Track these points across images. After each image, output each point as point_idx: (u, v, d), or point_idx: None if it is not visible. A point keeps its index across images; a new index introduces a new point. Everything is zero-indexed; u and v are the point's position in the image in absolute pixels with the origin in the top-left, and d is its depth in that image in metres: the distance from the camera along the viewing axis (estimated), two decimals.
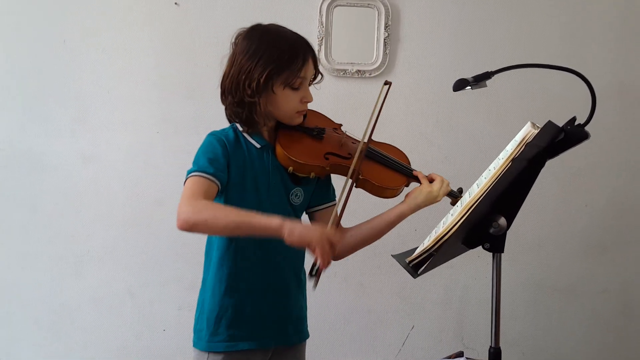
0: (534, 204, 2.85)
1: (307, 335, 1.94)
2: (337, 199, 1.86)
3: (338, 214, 1.72)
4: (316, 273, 1.59)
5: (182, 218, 1.58)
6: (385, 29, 2.83)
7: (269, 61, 1.71)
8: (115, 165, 2.80)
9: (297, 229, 1.55)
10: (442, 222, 1.59)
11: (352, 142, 1.88)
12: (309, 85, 1.79)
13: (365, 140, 1.80)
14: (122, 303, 2.84)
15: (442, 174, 2.81)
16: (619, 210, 2.96)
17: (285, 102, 1.76)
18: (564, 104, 2.77)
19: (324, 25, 2.80)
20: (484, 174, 1.56)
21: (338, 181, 1.83)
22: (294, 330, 1.89)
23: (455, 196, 1.95)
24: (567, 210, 2.94)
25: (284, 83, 1.73)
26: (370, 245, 2.83)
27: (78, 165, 2.81)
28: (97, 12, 2.79)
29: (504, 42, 2.87)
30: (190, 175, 1.69)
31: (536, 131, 1.43)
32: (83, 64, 2.79)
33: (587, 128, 1.47)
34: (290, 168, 1.77)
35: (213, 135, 1.78)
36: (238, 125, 1.80)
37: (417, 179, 1.89)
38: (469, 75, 1.70)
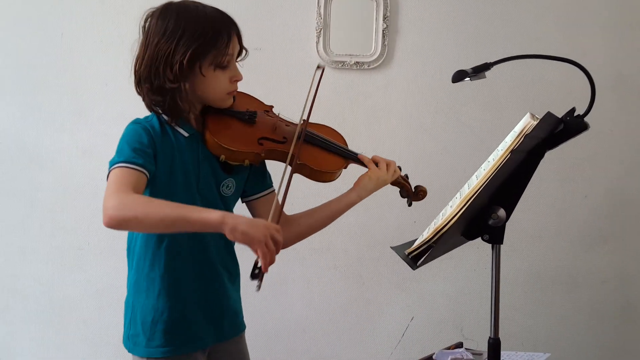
0: (533, 195, 2.85)
1: (244, 327, 1.84)
2: (276, 187, 1.70)
3: (280, 204, 1.60)
4: (259, 274, 1.45)
5: (109, 214, 1.42)
6: (383, 20, 2.82)
7: (191, 40, 1.56)
8: None
9: (240, 225, 1.41)
10: (441, 213, 1.59)
11: (286, 125, 1.76)
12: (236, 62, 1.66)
13: (302, 122, 1.69)
14: (123, 296, 2.82)
15: (441, 165, 2.85)
16: (618, 201, 2.96)
17: (215, 84, 1.62)
18: (563, 95, 2.77)
19: (322, 16, 2.79)
20: (482, 166, 1.56)
21: (274, 167, 1.74)
22: (230, 324, 1.78)
23: (403, 185, 1.87)
24: (566, 202, 2.94)
25: (213, 63, 1.59)
26: (369, 236, 2.87)
27: (76, 158, 2.81)
28: (95, 4, 2.78)
29: (503, 33, 2.86)
30: (114, 166, 1.53)
31: (535, 122, 1.43)
32: (80, 57, 2.79)
33: (586, 119, 1.47)
34: (222, 157, 1.64)
35: (137, 123, 1.63)
36: (161, 113, 1.64)
37: (360, 162, 1.81)
38: (467, 66, 1.69)
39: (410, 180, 1.92)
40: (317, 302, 2.90)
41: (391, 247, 1.73)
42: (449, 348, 2.07)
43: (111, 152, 2.93)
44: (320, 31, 2.79)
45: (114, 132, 2.76)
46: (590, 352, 2.97)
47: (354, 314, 2.92)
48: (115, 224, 1.44)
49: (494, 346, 1.48)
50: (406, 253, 1.57)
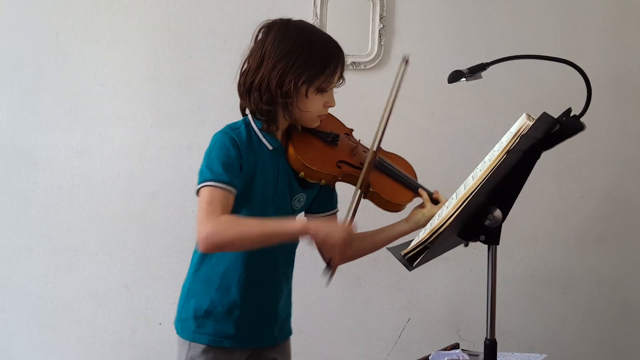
0: (529, 196, 2.85)
1: (290, 333, 1.92)
2: (345, 207, 1.79)
3: (352, 215, 1.70)
4: (331, 270, 1.62)
5: (207, 241, 1.55)
6: (380, 21, 2.82)
7: (306, 65, 1.66)
8: (109, 159, 2.79)
9: (322, 229, 1.57)
10: (437, 214, 1.59)
11: (364, 151, 1.83)
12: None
13: (375, 149, 1.76)
14: (118, 297, 2.83)
15: (437, 166, 2.85)
16: (615, 201, 2.96)
17: (312, 106, 1.71)
18: (560, 95, 2.77)
19: (319, 16, 2.79)
20: (479, 166, 1.55)
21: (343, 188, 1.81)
22: (279, 330, 1.86)
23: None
24: (563, 202, 2.94)
25: (318, 88, 1.69)
26: None
27: (72, 159, 2.80)
28: (90, 4, 2.77)
29: (499, 33, 2.86)
30: (204, 184, 1.62)
31: (531, 123, 1.43)
32: (76, 57, 2.78)
33: (582, 119, 1.46)
34: (302, 174, 1.73)
35: (225, 134, 1.70)
36: (252, 121, 1.72)
37: (420, 196, 1.86)
38: (464, 66, 1.69)
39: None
40: (314, 303, 2.89)
41: (387, 248, 1.74)
42: (445, 349, 2.07)
43: (106, 153, 2.93)
44: None
45: (109, 132, 2.78)
46: (588, 353, 2.97)
47: (351, 315, 2.91)
48: (213, 250, 1.60)
49: (491, 347, 1.48)
50: (402, 254, 1.56)
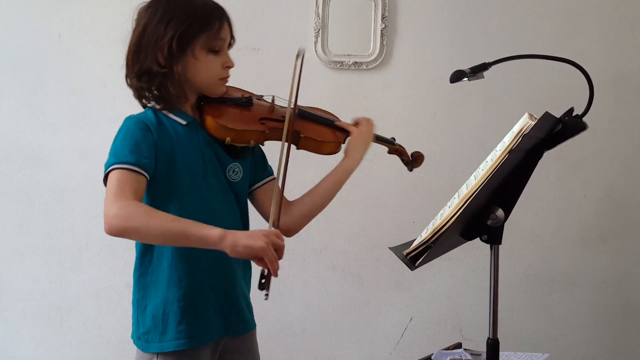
0: (532, 196, 2.84)
1: (253, 325, 1.81)
2: (275, 168, 1.70)
3: (280, 192, 1.61)
4: (266, 283, 1.47)
5: (110, 223, 1.44)
6: (382, 21, 2.82)
7: (181, 22, 1.56)
8: None
9: (240, 241, 1.43)
10: (439, 214, 1.59)
11: (281, 107, 1.77)
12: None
13: (293, 101, 1.70)
14: (121, 296, 2.84)
15: (440, 166, 2.85)
16: (617, 201, 2.96)
17: (207, 68, 1.61)
18: (562, 95, 2.76)
19: (321, 16, 2.79)
20: (481, 166, 1.56)
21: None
22: (238, 319, 1.74)
23: (386, 141, 1.95)
24: (565, 202, 2.94)
25: (205, 46, 1.59)
26: (368, 237, 2.86)
27: (74, 159, 2.80)
28: (92, 5, 2.78)
29: (501, 33, 2.86)
30: (112, 168, 1.50)
31: (534, 122, 1.43)
32: (79, 58, 2.78)
33: (584, 119, 1.47)
34: (228, 139, 1.64)
35: (131, 119, 1.61)
36: (154, 104, 1.63)
37: (346, 131, 1.83)
38: (466, 66, 1.69)
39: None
40: (316, 302, 2.89)
41: (389, 248, 1.73)
42: (447, 348, 2.07)
43: None
44: (318, 31, 2.79)
45: (112, 133, 2.77)
46: (590, 353, 2.97)
47: (353, 315, 2.91)
48: (116, 233, 1.45)
49: (493, 346, 1.48)
50: (404, 254, 1.56)
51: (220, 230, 1.45)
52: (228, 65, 1.66)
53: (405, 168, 2.05)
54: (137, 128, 1.58)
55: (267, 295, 1.47)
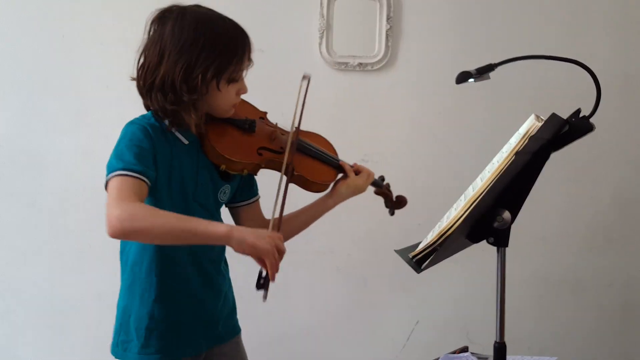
0: (538, 198, 2.81)
1: (239, 329, 1.84)
2: (272, 195, 1.66)
3: (280, 214, 1.59)
4: (265, 284, 1.47)
5: (114, 225, 1.39)
6: (387, 22, 2.81)
7: (212, 57, 1.53)
8: None
9: (248, 238, 1.42)
10: (445, 216, 1.57)
11: (282, 134, 1.76)
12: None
13: (294, 129, 1.69)
14: None
15: (446, 167, 2.83)
16: (624, 203, 2.94)
17: (225, 97, 1.61)
18: (568, 96, 2.74)
19: (325, 17, 2.78)
20: (487, 168, 1.54)
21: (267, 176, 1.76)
22: (225, 328, 1.77)
23: (379, 185, 1.95)
24: (572, 204, 2.92)
25: (229, 79, 1.58)
26: (373, 239, 2.85)
27: (77, 161, 2.80)
28: (96, 6, 2.77)
29: (507, 34, 2.85)
30: (115, 173, 1.47)
31: (540, 124, 1.42)
32: (82, 59, 2.78)
33: (592, 120, 1.45)
34: (223, 166, 1.65)
35: (135, 124, 1.59)
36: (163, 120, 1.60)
37: (343, 171, 1.84)
38: (472, 67, 1.68)
39: (396, 191, 2.01)
40: (321, 305, 2.88)
41: (395, 251, 1.72)
42: (454, 352, 2.05)
43: None
44: (323, 32, 2.78)
45: (115, 134, 2.76)
46: (597, 355, 2.95)
47: (358, 318, 2.90)
48: (120, 234, 1.42)
49: (500, 350, 1.47)
50: (410, 256, 1.55)
51: (227, 225, 1.47)
52: (243, 92, 1.66)
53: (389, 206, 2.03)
54: (141, 134, 1.56)
55: (265, 296, 1.48)
